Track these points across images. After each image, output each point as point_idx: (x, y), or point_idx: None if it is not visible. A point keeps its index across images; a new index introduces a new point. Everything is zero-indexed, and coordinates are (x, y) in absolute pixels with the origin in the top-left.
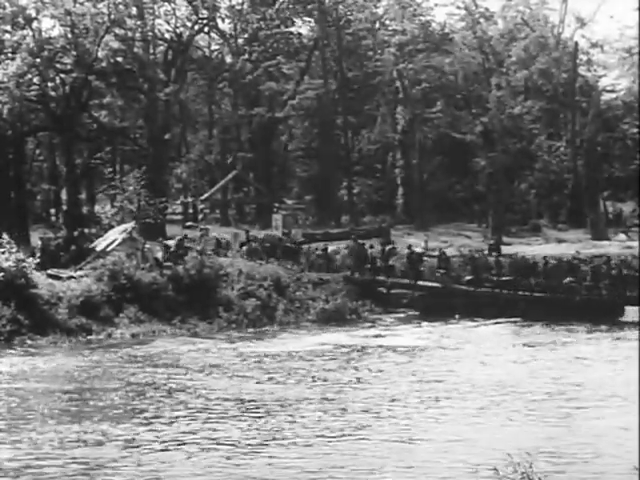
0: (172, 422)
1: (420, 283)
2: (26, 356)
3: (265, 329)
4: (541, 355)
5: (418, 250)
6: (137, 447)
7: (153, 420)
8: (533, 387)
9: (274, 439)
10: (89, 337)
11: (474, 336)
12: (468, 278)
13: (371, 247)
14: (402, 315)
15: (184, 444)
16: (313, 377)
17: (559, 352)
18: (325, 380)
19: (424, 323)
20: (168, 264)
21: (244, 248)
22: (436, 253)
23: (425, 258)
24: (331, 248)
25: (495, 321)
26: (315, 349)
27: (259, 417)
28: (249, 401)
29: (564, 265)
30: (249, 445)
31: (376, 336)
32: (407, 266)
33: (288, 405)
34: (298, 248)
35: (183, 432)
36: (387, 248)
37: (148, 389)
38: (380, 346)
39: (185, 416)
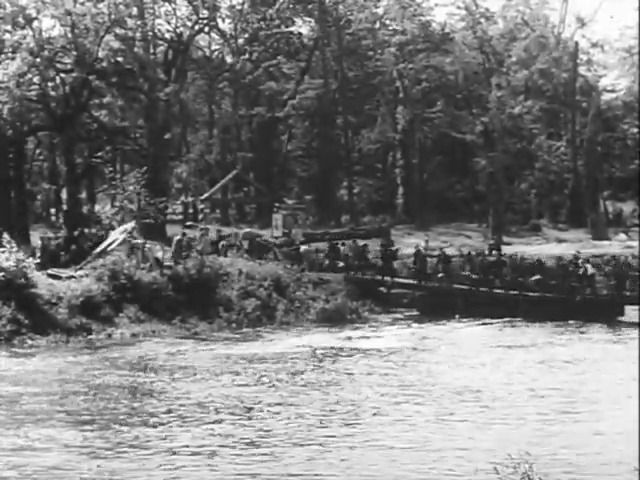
0: (125, 426)
1: (419, 283)
2: (10, 357)
3: (256, 329)
4: (517, 357)
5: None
6: (87, 453)
7: (104, 424)
8: (494, 391)
9: (222, 446)
10: (89, 337)
11: (458, 337)
12: (465, 274)
13: (364, 246)
14: (399, 315)
15: (132, 449)
16: (280, 380)
17: (537, 353)
18: (287, 382)
19: (414, 324)
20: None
21: (221, 245)
22: (437, 253)
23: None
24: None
25: (484, 322)
26: (292, 351)
27: (215, 422)
28: (208, 405)
29: (566, 265)
30: (199, 450)
31: (360, 338)
32: (414, 265)
33: (245, 409)
34: (284, 247)
35: (136, 437)
36: (390, 248)
37: (111, 392)
38: (357, 348)
39: (139, 421)
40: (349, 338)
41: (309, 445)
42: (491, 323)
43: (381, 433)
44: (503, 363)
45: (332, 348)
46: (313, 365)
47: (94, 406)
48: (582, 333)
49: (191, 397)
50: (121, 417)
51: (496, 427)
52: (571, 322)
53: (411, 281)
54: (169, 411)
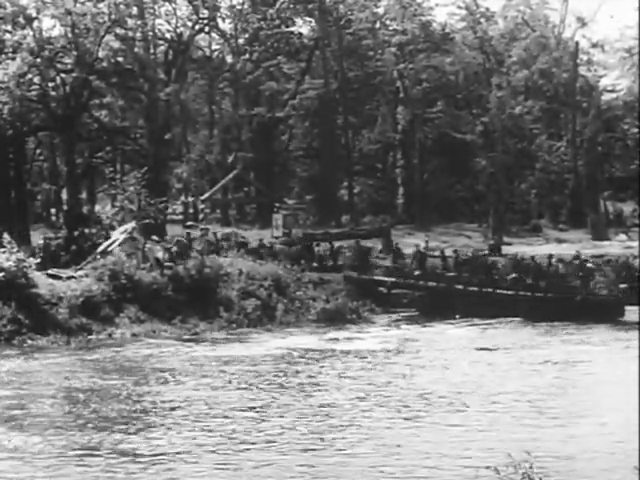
0: (80, 430)
1: (421, 283)
2: None
3: (247, 330)
4: (495, 360)
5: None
6: (30, 460)
7: (57, 429)
8: (450, 394)
9: (178, 453)
10: (90, 337)
11: (443, 339)
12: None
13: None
14: (396, 316)
15: (88, 454)
16: (248, 383)
17: (516, 356)
18: (254, 386)
19: (404, 326)
20: (169, 264)
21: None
22: (437, 253)
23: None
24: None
25: (482, 322)
26: (271, 353)
27: (172, 426)
28: (171, 409)
29: (567, 265)
30: (151, 456)
31: (345, 339)
32: (415, 265)
33: (207, 413)
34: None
35: (87, 441)
36: (394, 248)
37: (78, 396)
38: (336, 350)
39: (97, 425)
40: (334, 339)
41: (267, 450)
42: (490, 323)
43: (340, 436)
44: (477, 365)
45: (313, 350)
46: (286, 368)
47: (55, 410)
48: (570, 335)
49: (155, 400)
50: (80, 421)
51: (435, 432)
52: (571, 322)
53: (411, 281)
54: (130, 415)
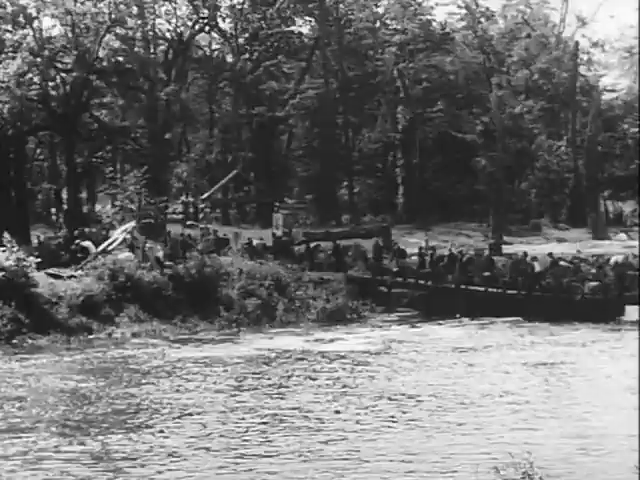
0: (37, 433)
1: (421, 283)
2: None
3: (235, 331)
4: (473, 360)
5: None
6: None
7: (16, 431)
8: (424, 397)
9: (134, 459)
10: (90, 336)
11: (429, 339)
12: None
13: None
14: (393, 316)
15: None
16: (218, 384)
17: (496, 356)
18: (223, 389)
19: (394, 326)
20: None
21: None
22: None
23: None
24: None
25: (481, 322)
26: (250, 354)
27: (135, 429)
28: (141, 411)
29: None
30: (120, 459)
31: (330, 341)
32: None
33: (171, 417)
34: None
35: (45, 444)
36: (395, 247)
37: (46, 398)
38: (313, 351)
39: (60, 428)
40: (319, 340)
41: (225, 455)
42: (489, 323)
43: (304, 436)
44: (455, 367)
45: (291, 351)
46: (261, 369)
47: (23, 413)
48: (555, 335)
49: (122, 403)
50: (41, 424)
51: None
52: (571, 322)
53: (410, 280)
54: (95, 417)
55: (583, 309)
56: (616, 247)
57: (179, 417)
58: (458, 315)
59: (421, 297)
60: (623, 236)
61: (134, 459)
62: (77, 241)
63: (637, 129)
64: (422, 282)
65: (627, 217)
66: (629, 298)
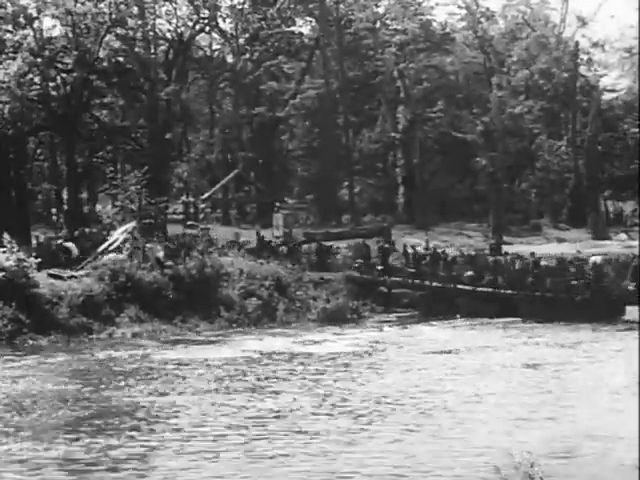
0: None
1: (418, 283)
2: None
3: (229, 332)
4: (455, 362)
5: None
6: None
7: None
8: (403, 399)
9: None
10: (90, 337)
11: (416, 340)
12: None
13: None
14: (391, 317)
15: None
16: (197, 387)
17: (480, 357)
18: (203, 390)
19: (385, 327)
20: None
21: None
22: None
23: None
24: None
25: (480, 322)
26: (232, 357)
27: (106, 433)
28: (115, 415)
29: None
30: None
31: (318, 342)
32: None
33: (144, 420)
34: None
35: (7, 449)
36: (388, 247)
37: (23, 400)
38: (295, 353)
39: (32, 432)
40: (307, 342)
41: (194, 457)
42: (488, 323)
43: (273, 440)
44: (436, 367)
45: (279, 353)
46: (242, 371)
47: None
48: (555, 335)
49: (98, 406)
50: (8, 429)
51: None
52: (570, 322)
53: (410, 280)
54: (71, 421)
55: (583, 309)
56: (616, 247)
57: (154, 420)
58: (458, 315)
59: (421, 297)
60: (623, 236)
61: (100, 465)
62: (59, 241)
63: (637, 129)
64: (418, 282)
65: (627, 217)
66: (629, 298)
